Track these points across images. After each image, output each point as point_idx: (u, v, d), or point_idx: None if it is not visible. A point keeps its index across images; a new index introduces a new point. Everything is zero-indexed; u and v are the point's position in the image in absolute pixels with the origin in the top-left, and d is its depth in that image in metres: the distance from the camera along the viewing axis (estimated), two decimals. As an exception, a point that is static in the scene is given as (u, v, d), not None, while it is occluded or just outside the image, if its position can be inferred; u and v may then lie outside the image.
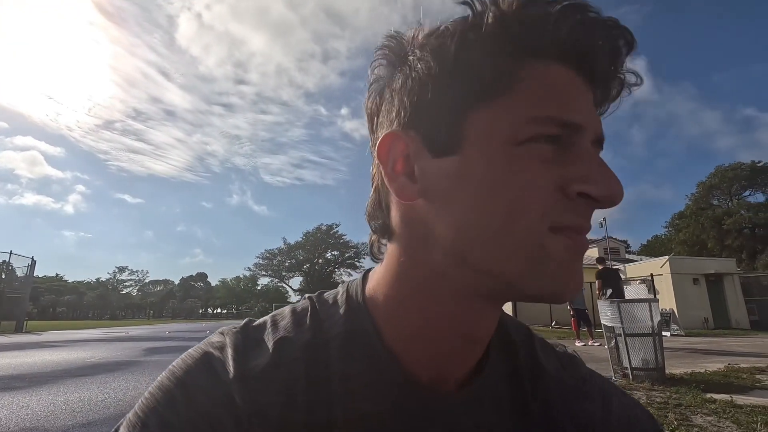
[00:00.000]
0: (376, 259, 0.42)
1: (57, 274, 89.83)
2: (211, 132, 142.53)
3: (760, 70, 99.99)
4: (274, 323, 0.39)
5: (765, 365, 5.58)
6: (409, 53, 0.35)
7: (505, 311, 0.43)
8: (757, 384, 4.37)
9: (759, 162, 36.54)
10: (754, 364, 5.75)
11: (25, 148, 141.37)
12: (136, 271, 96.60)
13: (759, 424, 2.84)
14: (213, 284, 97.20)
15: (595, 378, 0.46)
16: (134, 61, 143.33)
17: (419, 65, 0.33)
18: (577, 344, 9.12)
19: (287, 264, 63.08)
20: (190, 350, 0.37)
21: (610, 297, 7.49)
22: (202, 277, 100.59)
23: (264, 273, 64.40)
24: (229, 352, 0.36)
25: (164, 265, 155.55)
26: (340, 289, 0.43)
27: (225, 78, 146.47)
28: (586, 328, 9.29)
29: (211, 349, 0.36)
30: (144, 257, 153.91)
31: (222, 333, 0.38)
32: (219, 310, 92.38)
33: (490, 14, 0.31)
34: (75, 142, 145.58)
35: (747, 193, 37.24)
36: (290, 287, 65.72)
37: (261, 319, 0.40)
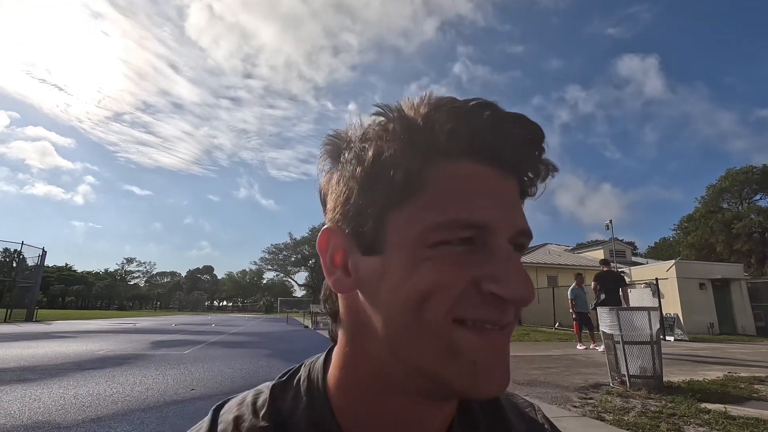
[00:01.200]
0: (335, 342, 0.41)
1: (66, 264, 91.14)
2: (218, 125, 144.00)
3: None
4: (237, 427, 0.37)
5: (765, 375, 5.58)
6: (342, 154, 0.37)
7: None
8: (755, 395, 4.39)
9: (771, 165, 35.98)
10: (755, 373, 5.75)
11: (36, 139, 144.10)
12: (144, 263, 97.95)
13: (748, 437, 2.88)
14: (219, 277, 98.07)
15: None
16: (144, 53, 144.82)
17: (348, 167, 0.35)
18: (578, 347, 9.14)
19: (293, 259, 63.45)
20: None
21: (603, 303, 7.43)
22: (209, 269, 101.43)
23: (270, 267, 65.04)
24: None
25: (171, 257, 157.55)
26: (302, 372, 0.42)
27: (233, 72, 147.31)
28: (588, 332, 9.29)
29: None
30: (152, 249, 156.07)
31: None
32: (225, 303, 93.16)
33: (397, 120, 0.34)
34: (85, 133, 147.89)
35: (758, 197, 36.76)
36: (295, 282, 66.20)
37: (222, 421, 0.39)
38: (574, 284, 9.56)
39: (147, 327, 17.53)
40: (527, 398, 0.50)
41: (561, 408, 3.84)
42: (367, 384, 0.36)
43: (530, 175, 0.35)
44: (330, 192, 0.38)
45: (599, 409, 3.76)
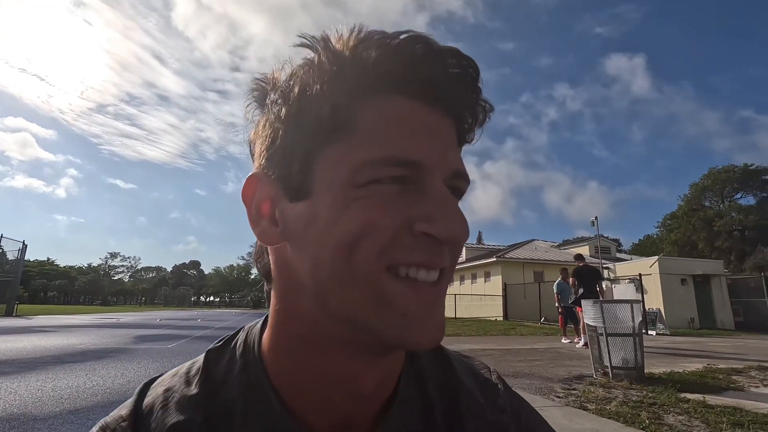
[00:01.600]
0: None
1: (48, 259, 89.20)
2: (205, 119, 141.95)
3: (758, 73, 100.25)
4: (165, 402, 0.35)
5: (742, 367, 5.73)
6: (268, 96, 0.35)
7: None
8: (732, 385, 4.50)
9: (751, 165, 36.96)
10: (732, 365, 5.90)
11: (16, 130, 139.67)
12: (129, 257, 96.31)
13: (725, 424, 2.95)
14: (206, 272, 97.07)
15: (516, 408, 0.45)
16: (128, 44, 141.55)
17: (273, 109, 0.33)
18: (563, 341, 9.27)
19: (281, 254, 63.14)
20: None
21: (582, 297, 7.55)
22: (195, 264, 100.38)
23: (257, 262, 64.49)
24: None
25: (157, 251, 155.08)
26: (240, 336, 0.40)
27: (221, 64, 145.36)
28: (573, 326, 9.42)
29: None
30: (136, 243, 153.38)
31: (106, 426, 0.35)
32: (212, 299, 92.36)
33: (324, 55, 0.31)
34: (67, 125, 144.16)
35: (738, 195, 37.71)
36: (283, 277, 65.80)
37: (153, 392, 0.37)
38: (559, 278, 9.67)
39: (131, 322, 17.26)
40: (483, 363, 0.48)
41: (545, 398, 3.88)
42: (299, 342, 0.35)
43: (467, 115, 0.34)
44: (256, 138, 0.36)
45: (582, 399, 3.81)
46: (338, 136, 0.31)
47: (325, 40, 0.32)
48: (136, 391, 0.37)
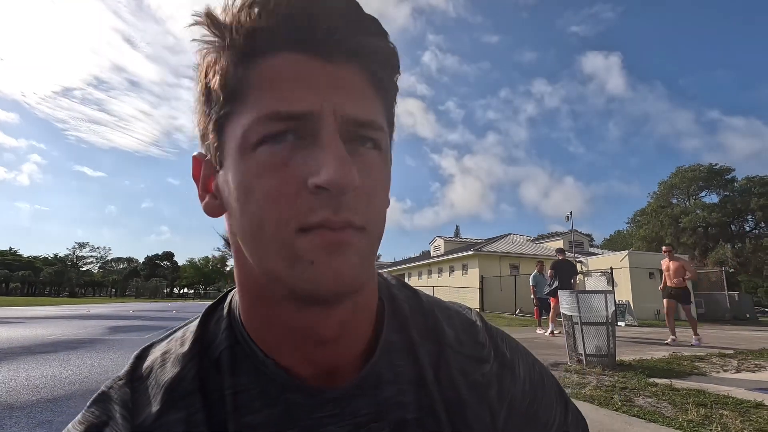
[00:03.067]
0: None
1: (10, 248, 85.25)
2: (179, 106, 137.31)
3: (724, 75, 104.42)
4: (163, 362, 0.38)
5: (705, 354, 6.06)
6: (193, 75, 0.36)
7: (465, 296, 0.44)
8: (695, 370, 4.76)
9: (716, 164, 38.55)
10: (696, 353, 6.22)
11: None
12: (98, 248, 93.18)
13: (691, 405, 3.14)
14: (180, 264, 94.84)
15: (498, 342, 0.47)
16: (97, 25, 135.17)
17: (194, 86, 0.36)
18: (538, 332, 9.55)
19: (258, 246, 62.24)
20: (81, 414, 0.37)
21: (556, 289, 7.81)
22: (169, 256, 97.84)
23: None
24: (118, 410, 0.35)
25: (128, 242, 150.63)
26: (229, 295, 0.43)
27: (195, 49, 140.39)
28: (547, 317, 9.70)
29: (99, 411, 0.36)
30: (106, 233, 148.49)
31: (108, 389, 0.37)
32: (186, 291, 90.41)
33: (210, 29, 0.33)
34: (29, 108, 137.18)
35: (703, 193, 39.29)
36: (260, 269, 64.96)
37: (151, 355, 0.39)
38: (535, 271, 9.94)
39: (102, 313, 16.76)
40: (464, 305, 0.51)
41: (523, 384, 4.01)
42: (254, 298, 0.37)
43: (367, 61, 0.33)
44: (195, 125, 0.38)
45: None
46: (235, 104, 0.32)
47: (209, 14, 0.33)
48: (134, 355, 0.40)
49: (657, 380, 4.08)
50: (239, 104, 0.32)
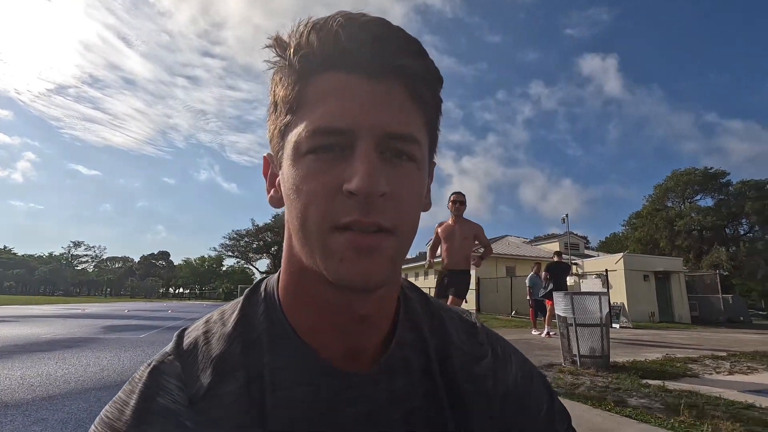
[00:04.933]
0: None
1: (5, 247, 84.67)
2: (174, 105, 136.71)
3: (720, 79, 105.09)
4: (207, 339, 0.42)
5: (698, 356, 6.11)
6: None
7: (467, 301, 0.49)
8: (688, 372, 4.81)
9: (711, 168, 38.78)
10: (689, 355, 6.28)
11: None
12: (93, 247, 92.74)
13: (682, 406, 3.17)
14: (176, 263, 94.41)
15: (494, 342, 0.53)
16: (91, 23, 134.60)
17: (268, 97, 0.42)
18: (533, 333, 9.59)
19: (255, 246, 62.06)
20: (131, 382, 0.40)
21: (552, 291, 7.86)
22: (165, 255, 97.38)
23: (230, 254, 63.24)
24: (172, 381, 0.39)
25: (124, 241, 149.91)
26: (263, 283, 0.47)
27: (190, 49, 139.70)
28: (542, 318, 9.74)
29: (151, 382, 0.39)
30: (102, 232, 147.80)
31: (159, 363, 0.40)
32: (181, 290, 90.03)
33: (276, 51, 0.39)
34: (24, 106, 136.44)
35: (698, 197, 39.46)
36: (257, 269, 64.71)
37: (192, 334, 0.43)
38: (532, 273, 9.98)
39: (97, 312, 16.68)
40: (465, 309, 0.57)
41: (518, 384, 4.03)
42: (297, 280, 0.42)
43: (408, 78, 0.37)
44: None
45: (552, 384, 3.98)
46: (294, 116, 0.38)
47: (277, 38, 0.39)
48: (175, 335, 0.44)
49: (650, 381, 4.12)
50: (296, 116, 0.37)
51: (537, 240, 31.58)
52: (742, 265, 33.34)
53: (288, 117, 0.38)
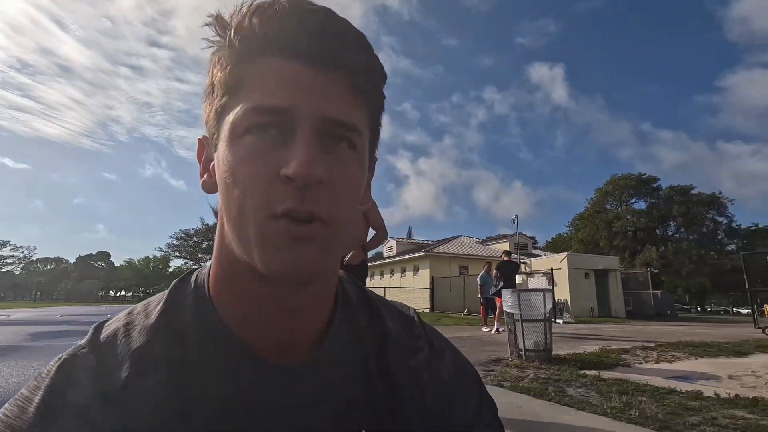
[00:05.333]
0: None
1: None
2: (116, 96, 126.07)
3: (654, 90, 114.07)
4: (128, 332, 0.39)
5: (630, 347, 6.60)
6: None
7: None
8: (621, 362, 5.19)
9: (644, 174, 42.28)
10: (622, 346, 6.76)
11: None
12: (21, 247, 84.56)
13: (614, 393, 3.42)
14: (117, 264, 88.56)
15: (430, 336, 0.54)
16: (17, 2, 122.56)
17: (206, 79, 0.41)
18: (484, 330, 9.92)
19: (204, 245, 59.60)
20: (38, 377, 0.37)
21: (502, 289, 8.21)
22: (104, 256, 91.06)
23: (178, 254, 60.33)
24: (83, 376, 0.36)
25: (57, 241, 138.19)
26: (194, 274, 0.46)
27: (135, 37, 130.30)
28: (493, 316, 10.10)
29: (60, 377, 0.36)
30: (32, 231, 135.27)
31: (70, 356, 0.38)
32: (123, 293, 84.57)
33: (217, 30, 0.38)
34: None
35: (633, 200, 42.79)
36: (207, 270, 62.15)
37: (111, 326, 0.40)
38: (483, 272, 10.32)
39: (24, 318, 15.26)
40: (404, 304, 0.58)
41: (467, 379, 4.16)
42: (228, 270, 0.40)
43: (349, 71, 0.37)
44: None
45: (499, 378, 4.16)
46: (231, 98, 0.37)
47: (218, 17, 0.38)
48: (92, 328, 0.41)
49: (587, 372, 4.39)
50: (234, 98, 0.36)
51: (489, 240, 32.71)
52: (669, 263, 36.42)
53: (225, 98, 0.37)
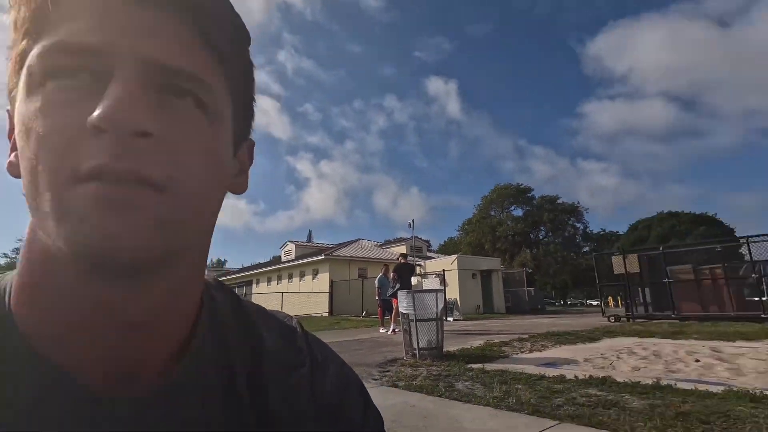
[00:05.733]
0: None
1: None
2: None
3: (528, 112, 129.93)
4: None
5: (509, 340, 7.33)
6: None
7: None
8: (502, 354, 5.71)
9: (521, 184, 48.21)
10: (503, 339, 7.48)
11: None
12: None
13: (496, 383, 3.75)
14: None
15: (314, 347, 0.48)
16: None
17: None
18: (381, 331, 10.15)
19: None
20: None
21: (399, 290, 8.57)
22: None
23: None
24: None
25: None
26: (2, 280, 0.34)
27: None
28: (390, 317, 10.41)
29: None
30: None
31: None
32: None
33: None
34: None
35: (513, 207, 48.25)
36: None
37: None
38: (381, 274, 10.58)
39: None
40: (286, 313, 0.52)
41: (365, 382, 4.16)
42: (40, 272, 0.30)
43: (185, 8, 0.29)
44: None
45: (394, 378, 4.26)
46: (33, 41, 0.27)
47: None
48: None
49: (473, 365, 4.74)
50: (35, 40, 0.27)
51: (387, 243, 33.74)
52: (540, 263, 41.73)
53: (25, 42, 0.27)
